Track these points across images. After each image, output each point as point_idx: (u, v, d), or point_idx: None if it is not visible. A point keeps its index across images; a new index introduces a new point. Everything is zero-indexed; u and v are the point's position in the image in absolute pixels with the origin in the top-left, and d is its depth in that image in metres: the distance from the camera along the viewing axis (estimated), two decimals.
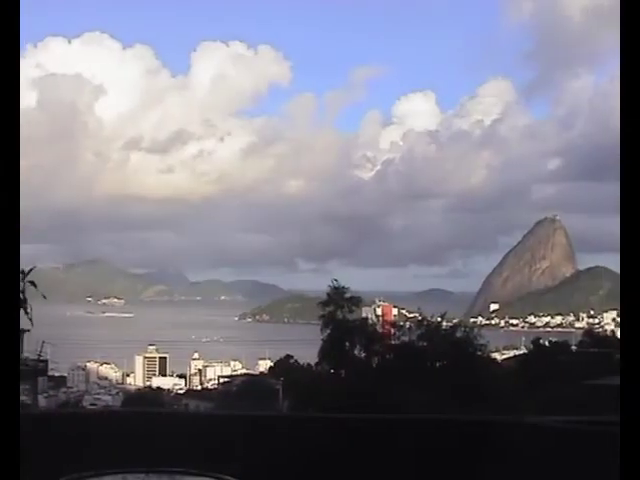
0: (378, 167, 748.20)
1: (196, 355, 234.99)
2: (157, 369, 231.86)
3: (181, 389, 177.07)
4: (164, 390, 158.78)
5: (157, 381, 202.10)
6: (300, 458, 13.49)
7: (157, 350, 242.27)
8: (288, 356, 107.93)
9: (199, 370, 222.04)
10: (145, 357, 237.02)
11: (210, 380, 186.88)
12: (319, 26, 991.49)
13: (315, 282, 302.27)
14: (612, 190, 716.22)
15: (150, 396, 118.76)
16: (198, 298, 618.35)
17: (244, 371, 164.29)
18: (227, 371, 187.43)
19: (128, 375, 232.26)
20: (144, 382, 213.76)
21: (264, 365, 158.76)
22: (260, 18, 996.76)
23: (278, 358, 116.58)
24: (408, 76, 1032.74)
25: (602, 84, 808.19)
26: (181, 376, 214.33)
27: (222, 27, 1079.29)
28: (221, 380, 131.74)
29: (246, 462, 12.59)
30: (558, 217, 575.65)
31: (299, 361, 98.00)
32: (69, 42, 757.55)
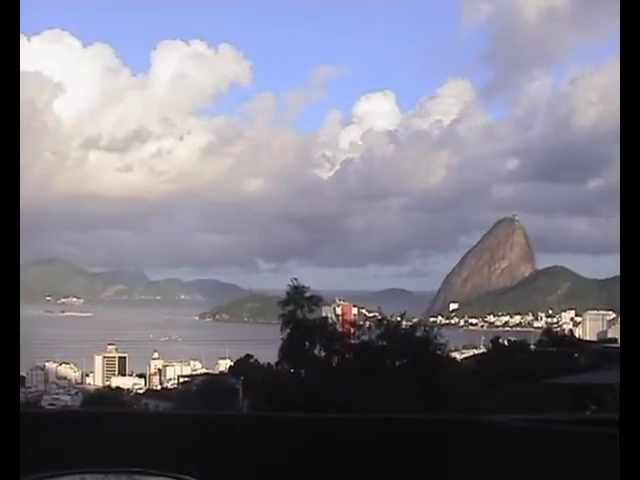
0: (337, 167, 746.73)
1: (156, 355, 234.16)
2: (116, 369, 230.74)
3: (141, 389, 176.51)
4: (123, 390, 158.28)
5: (116, 381, 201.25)
6: (260, 458, 13.47)
7: (116, 350, 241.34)
8: (248, 355, 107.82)
9: (159, 370, 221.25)
10: (104, 357, 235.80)
11: (170, 380, 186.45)
12: (280, 25, 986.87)
13: (275, 281, 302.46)
14: (569, 191, 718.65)
15: (109, 396, 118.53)
16: (158, 297, 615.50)
17: (204, 371, 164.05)
18: (187, 371, 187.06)
19: (87, 375, 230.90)
20: (103, 382, 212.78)
21: (224, 364, 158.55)
22: (221, 17, 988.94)
23: (238, 357, 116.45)
24: (368, 76, 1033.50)
25: (559, 85, 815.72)
26: (141, 376, 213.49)
27: (182, 26, 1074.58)
28: (181, 380, 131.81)
29: (205, 462, 12.56)
30: (517, 217, 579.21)
31: (259, 360, 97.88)
32: (28, 40, 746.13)
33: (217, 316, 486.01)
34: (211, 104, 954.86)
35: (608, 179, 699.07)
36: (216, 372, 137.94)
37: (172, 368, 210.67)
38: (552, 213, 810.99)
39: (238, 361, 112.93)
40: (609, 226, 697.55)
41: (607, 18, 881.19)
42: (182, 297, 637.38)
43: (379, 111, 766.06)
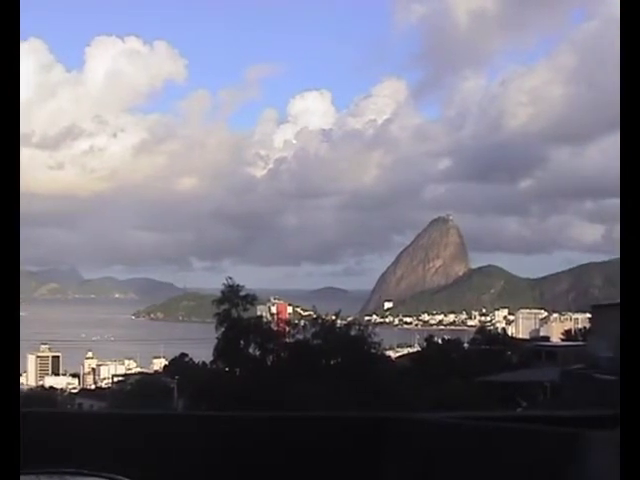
0: (271, 165, 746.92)
1: (90, 354, 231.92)
2: (50, 368, 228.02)
3: (74, 388, 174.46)
4: (57, 389, 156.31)
5: (50, 380, 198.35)
6: (194, 457, 13.48)
7: (50, 349, 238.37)
8: (183, 354, 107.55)
9: (93, 369, 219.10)
10: (38, 356, 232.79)
11: (104, 379, 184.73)
12: (215, 24, 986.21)
13: (210, 280, 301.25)
14: (500, 190, 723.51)
15: (43, 395, 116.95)
16: (92, 296, 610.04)
17: (139, 370, 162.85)
18: (121, 370, 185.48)
19: (20, 375, 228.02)
20: (37, 381, 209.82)
21: (159, 364, 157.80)
22: (156, 14, 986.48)
23: (173, 357, 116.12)
24: (304, 75, 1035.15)
25: (490, 86, 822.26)
26: (74, 375, 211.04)
27: (118, 22, 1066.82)
28: (115, 379, 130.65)
29: (140, 461, 12.55)
30: (451, 217, 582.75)
31: (194, 359, 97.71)
32: None
33: (152, 315, 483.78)
34: (145, 101, 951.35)
35: (539, 179, 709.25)
36: (151, 371, 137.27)
37: (106, 367, 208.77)
38: (484, 213, 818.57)
39: (173, 360, 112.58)
40: (540, 226, 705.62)
41: (536, 20, 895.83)
42: (116, 296, 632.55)
43: (314, 110, 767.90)
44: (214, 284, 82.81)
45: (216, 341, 57.05)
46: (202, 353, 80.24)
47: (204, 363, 77.45)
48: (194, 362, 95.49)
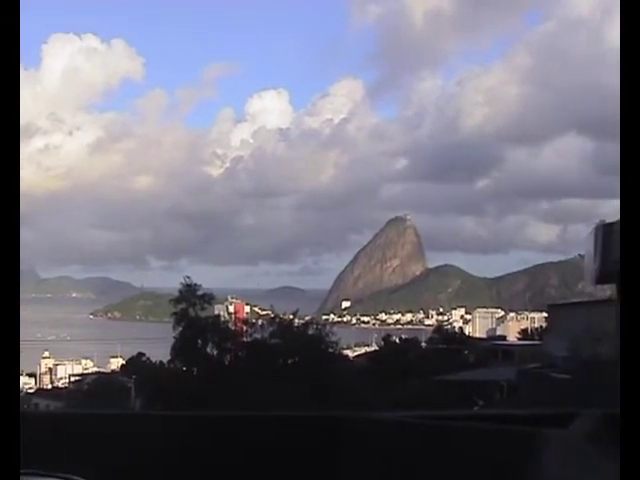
0: (227, 164, 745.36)
1: (46, 353, 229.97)
2: None
3: (31, 388, 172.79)
4: None
5: None
6: (151, 457, 13.46)
7: None
8: (140, 354, 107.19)
9: (49, 369, 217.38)
10: None
11: (61, 379, 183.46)
12: (173, 23, 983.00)
13: (167, 279, 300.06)
14: (457, 190, 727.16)
15: None
16: (49, 295, 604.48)
17: (96, 369, 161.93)
18: (78, 369, 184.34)
19: None
20: None
21: (116, 363, 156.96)
22: (114, 12, 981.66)
23: (130, 356, 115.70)
24: (262, 74, 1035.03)
25: (447, 86, 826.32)
26: (31, 375, 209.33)
27: (75, 20, 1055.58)
28: (72, 379, 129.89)
29: (96, 462, 12.50)
30: (409, 216, 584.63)
31: (151, 359, 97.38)
32: None
33: (109, 314, 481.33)
34: (102, 100, 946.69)
35: (495, 179, 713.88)
36: (108, 371, 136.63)
37: (63, 367, 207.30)
38: (441, 212, 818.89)
39: (130, 359, 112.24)
40: (497, 226, 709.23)
41: (492, 21, 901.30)
42: (73, 295, 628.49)
43: (272, 109, 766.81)
44: (171, 283, 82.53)
45: (173, 340, 56.91)
46: (159, 352, 79.98)
47: (161, 362, 77.19)
48: (151, 361, 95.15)
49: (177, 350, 56.93)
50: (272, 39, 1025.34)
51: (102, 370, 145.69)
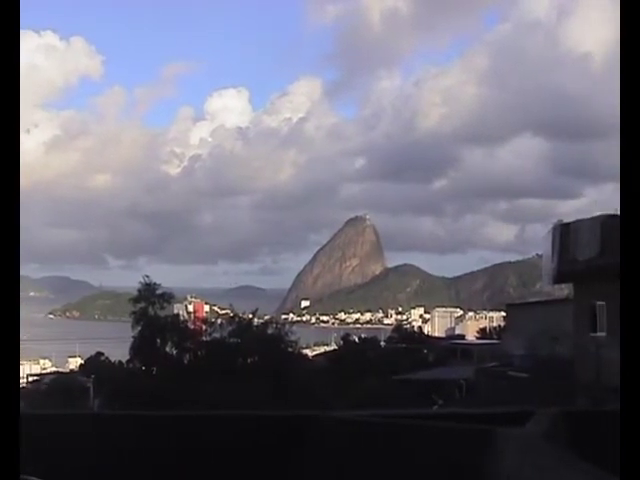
0: (185, 163, 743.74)
1: None
2: None
3: None
4: None
5: None
6: (110, 456, 13.43)
7: None
8: (99, 353, 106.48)
9: None
10: None
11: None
12: (132, 21, 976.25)
13: (126, 278, 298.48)
14: (414, 190, 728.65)
15: None
16: None
17: (54, 369, 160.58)
18: (36, 369, 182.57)
19: None
20: None
21: (74, 363, 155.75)
22: (74, 10, 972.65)
23: (89, 355, 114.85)
24: (222, 73, 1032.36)
25: (404, 87, 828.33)
26: None
27: (34, 16, 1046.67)
28: (30, 378, 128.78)
29: (52, 462, 12.47)
30: (367, 216, 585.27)
31: (110, 358, 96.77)
32: None
33: (67, 313, 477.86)
34: (60, 97, 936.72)
35: (452, 179, 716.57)
36: (66, 370, 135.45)
37: (21, 367, 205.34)
38: (399, 212, 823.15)
39: (89, 359, 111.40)
40: (455, 225, 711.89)
41: (449, 21, 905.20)
42: (31, 294, 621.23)
43: (231, 108, 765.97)
44: (130, 282, 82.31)
45: (132, 340, 56.69)
46: (118, 352, 79.62)
47: (120, 362, 76.84)
48: (110, 361, 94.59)
49: (136, 349, 56.72)
50: (231, 38, 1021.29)
51: (60, 370, 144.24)
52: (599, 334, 34.80)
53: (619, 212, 35.24)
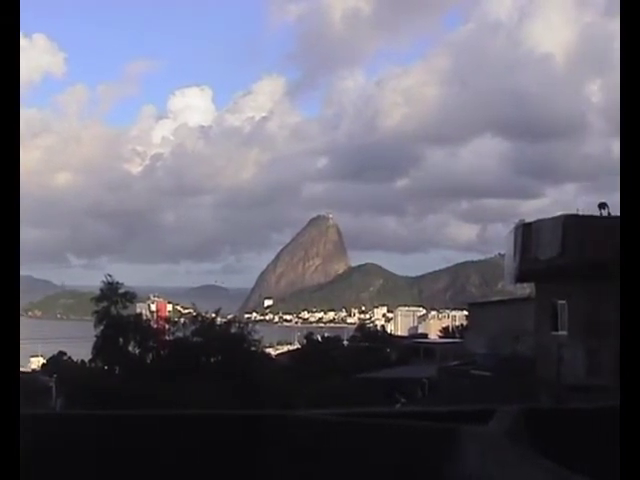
0: (147, 162, 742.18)
1: None
2: None
3: None
4: None
5: None
6: (72, 457, 13.36)
7: None
8: (61, 353, 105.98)
9: None
10: None
11: None
12: (95, 19, 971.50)
13: (88, 277, 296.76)
14: (376, 190, 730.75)
15: None
16: None
17: None
18: None
19: None
20: None
21: (36, 362, 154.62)
22: (35, 6, 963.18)
23: (51, 355, 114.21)
24: (186, 71, 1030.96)
25: (366, 86, 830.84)
26: None
27: None
28: None
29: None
30: (331, 215, 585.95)
31: (73, 358, 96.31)
32: None
33: (29, 312, 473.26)
34: (22, 95, 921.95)
35: (414, 179, 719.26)
36: (28, 370, 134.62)
37: None
38: (361, 211, 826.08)
39: (51, 359, 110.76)
40: (417, 225, 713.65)
41: (411, 22, 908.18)
42: None
43: (194, 106, 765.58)
44: (92, 281, 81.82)
45: (95, 339, 56.48)
46: (81, 351, 79.22)
47: (83, 361, 76.46)
48: (72, 360, 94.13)
49: (98, 349, 56.52)
50: (195, 36, 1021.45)
51: (22, 369, 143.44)
52: (560, 333, 35.11)
53: (581, 212, 35.68)
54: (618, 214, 34.93)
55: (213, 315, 61.03)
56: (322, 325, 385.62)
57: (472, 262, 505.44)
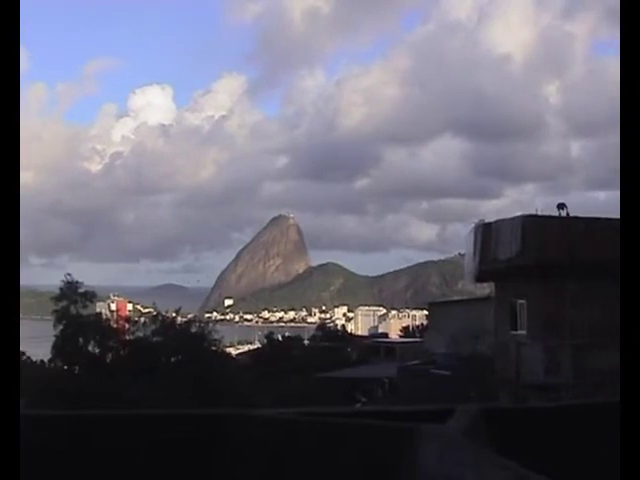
0: (106, 160, 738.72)
1: None
2: None
3: None
4: None
5: None
6: (32, 458, 13.30)
7: None
8: (20, 352, 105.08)
9: None
10: None
11: None
12: (55, 17, 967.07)
13: (47, 277, 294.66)
14: (336, 189, 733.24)
15: None
16: None
17: None
18: None
19: None
20: None
21: None
22: None
23: None
24: (147, 69, 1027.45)
25: (326, 86, 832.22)
26: None
27: None
28: None
29: None
30: (291, 215, 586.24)
31: (32, 358, 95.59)
32: None
33: None
34: None
35: (374, 179, 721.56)
36: None
37: None
38: (322, 211, 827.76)
39: None
40: (377, 225, 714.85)
41: (371, 22, 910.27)
42: None
43: (155, 105, 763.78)
44: (52, 281, 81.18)
45: (54, 339, 56.14)
46: (40, 351, 78.56)
47: (42, 361, 75.92)
48: (32, 360, 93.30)
49: (58, 349, 56.14)
50: (155, 35, 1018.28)
51: None
52: (519, 332, 35.35)
53: (540, 212, 35.94)
54: (577, 215, 35.33)
55: (173, 314, 60.94)
56: (283, 325, 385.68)
57: (432, 262, 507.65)
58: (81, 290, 57.49)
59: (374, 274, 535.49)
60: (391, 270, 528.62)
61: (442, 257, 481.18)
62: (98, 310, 66.08)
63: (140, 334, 57.72)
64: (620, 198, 7.52)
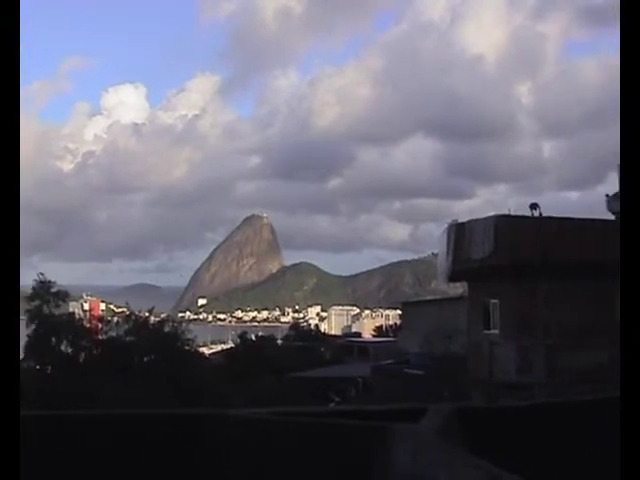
0: (79, 159, 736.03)
1: None
2: None
3: None
4: None
5: None
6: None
7: None
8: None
9: None
10: None
11: None
12: (29, 15, 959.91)
13: (20, 276, 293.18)
14: (309, 189, 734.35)
15: None
16: None
17: None
18: None
19: None
20: None
21: None
22: None
23: None
24: (120, 68, 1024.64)
25: (299, 86, 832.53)
26: None
27: None
28: None
29: None
30: (265, 214, 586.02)
31: None
32: None
33: None
34: None
35: (347, 178, 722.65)
36: None
37: None
38: (295, 211, 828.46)
39: None
40: (350, 224, 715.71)
41: (344, 22, 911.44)
42: None
43: (128, 104, 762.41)
44: (24, 280, 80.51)
45: (27, 339, 55.90)
46: None
47: None
48: None
49: (30, 348, 55.83)
50: (129, 33, 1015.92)
51: None
52: (492, 331, 35.49)
53: (513, 212, 36.12)
54: (549, 215, 35.51)
55: (146, 314, 60.64)
56: (256, 324, 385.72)
57: (406, 262, 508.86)
58: (54, 290, 57.19)
59: (347, 274, 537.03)
60: (364, 270, 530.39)
61: (415, 257, 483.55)
62: (71, 310, 65.72)
63: (113, 334, 57.50)
64: (620, 198, 7.60)
